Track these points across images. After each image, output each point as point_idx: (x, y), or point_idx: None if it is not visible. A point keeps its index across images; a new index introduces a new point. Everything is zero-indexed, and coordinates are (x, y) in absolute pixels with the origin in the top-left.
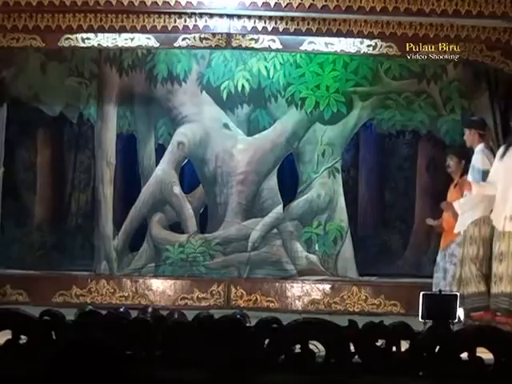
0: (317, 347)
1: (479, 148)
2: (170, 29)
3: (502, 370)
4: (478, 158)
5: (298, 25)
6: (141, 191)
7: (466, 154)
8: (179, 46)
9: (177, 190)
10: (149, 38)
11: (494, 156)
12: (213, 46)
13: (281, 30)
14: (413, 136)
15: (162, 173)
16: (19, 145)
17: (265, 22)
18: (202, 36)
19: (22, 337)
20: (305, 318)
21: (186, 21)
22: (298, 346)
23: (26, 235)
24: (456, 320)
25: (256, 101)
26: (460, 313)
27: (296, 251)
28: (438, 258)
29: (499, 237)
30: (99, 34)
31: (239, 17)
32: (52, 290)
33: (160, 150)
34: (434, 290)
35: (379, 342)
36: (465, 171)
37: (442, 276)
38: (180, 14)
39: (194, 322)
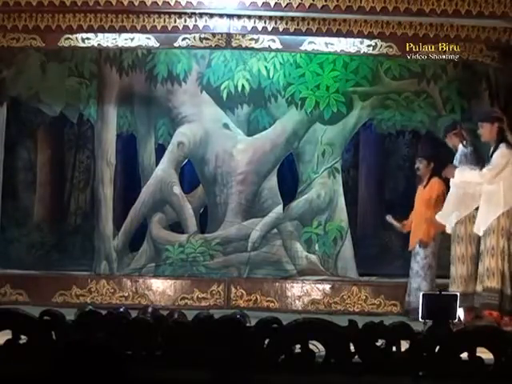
0: (317, 347)
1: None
2: (170, 29)
3: (502, 370)
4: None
5: (298, 25)
6: (141, 191)
7: (434, 157)
8: (179, 46)
9: (177, 189)
10: (149, 38)
11: None
12: (213, 45)
13: (281, 30)
14: (413, 136)
15: (162, 173)
16: (19, 145)
17: (265, 22)
18: (202, 36)
19: (22, 337)
20: (305, 317)
21: (186, 21)
22: (298, 346)
23: (25, 235)
24: (456, 320)
25: (256, 101)
26: (460, 313)
27: (296, 251)
28: (412, 258)
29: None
30: (99, 34)
31: (239, 17)
32: (52, 290)
33: (160, 150)
34: (408, 289)
35: (379, 342)
36: (433, 174)
37: (411, 274)
38: (180, 14)
39: (193, 322)
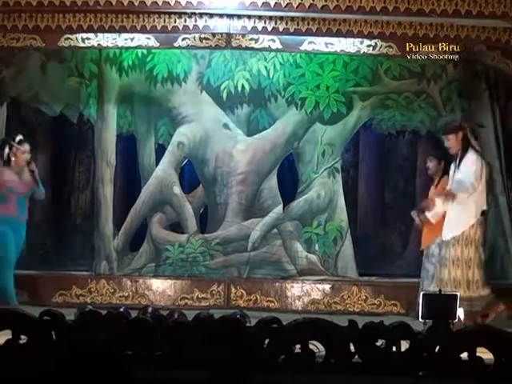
0: (317, 347)
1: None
2: (169, 29)
3: (502, 369)
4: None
5: (298, 25)
6: (141, 191)
7: (444, 156)
8: (179, 46)
9: (177, 190)
10: (149, 38)
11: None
12: (213, 45)
13: (281, 29)
14: (413, 136)
15: (162, 173)
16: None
17: (265, 22)
18: (202, 36)
19: (22, 337)
20: (305, 317)
21: (186, 21)
22: (298, 346)
23: (26, 235)
24: (456, 320)
25: (256, 101)
26: (460, 313)
27: (296, 251)
28: (423, 258)
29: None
30: (99, 34)
31: (239, 17)
32: (52, 290)
33: (160, 150)
34: (420, 289)
35: (379, 342)
36: (444, 172)
37: (424, 276)
38: (180, 14)
39: (193, 322)
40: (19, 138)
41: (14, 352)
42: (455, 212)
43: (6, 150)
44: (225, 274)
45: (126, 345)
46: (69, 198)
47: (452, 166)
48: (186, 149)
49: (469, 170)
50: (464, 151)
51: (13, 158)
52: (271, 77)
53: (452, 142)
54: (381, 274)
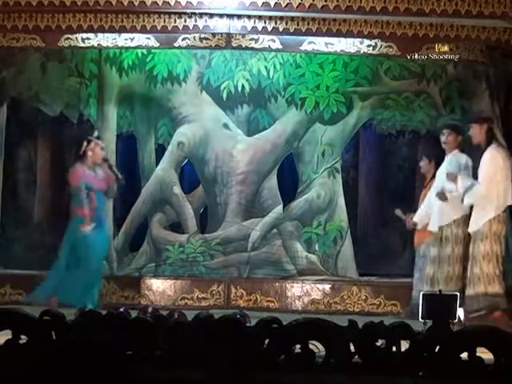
0: (317, 347)
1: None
2: (169, 29)
3: (502, 370)
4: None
5: (298, 25)
6: (141, 191)
7: (435, 155)
8: (179, 46)
9: (177, 190)
10: (149, 38)
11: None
12: (213, 46)
13: (281, 29)
14: (413, 136)
15: (162, 173)
16: (19, 145)
17: (265, 22)
18: (202, 36)
19: (22, 337)
20: (305, 317)
21: (186, 21)
22: (298, 346)
23: (26, 235)
24: (456, 320)
25: (256, 101)
26: (460, 313)
27: (296, 251)
28: (416, 258)
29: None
30: (99, 34)
31: (239, 17)
32: None
33: (160, 150)
34: (414, 290)
35: (379, 342)
36: (436, 171)
37: (419, 276)
38: (180, 14)
39: (193, 322)
40: (97, 133)
41: (14, 352)
42: (478, 206)
43: (84, 144)
44: (225, 274)
45: (126, 345)
46: (69, 197)
47: (458, 160)
48: (186, 149)
49: (485, 167)
50: (487, 144)
51: (89, 153)
52: (271, 77)
53: (475, 132)
54: (381, 274)
